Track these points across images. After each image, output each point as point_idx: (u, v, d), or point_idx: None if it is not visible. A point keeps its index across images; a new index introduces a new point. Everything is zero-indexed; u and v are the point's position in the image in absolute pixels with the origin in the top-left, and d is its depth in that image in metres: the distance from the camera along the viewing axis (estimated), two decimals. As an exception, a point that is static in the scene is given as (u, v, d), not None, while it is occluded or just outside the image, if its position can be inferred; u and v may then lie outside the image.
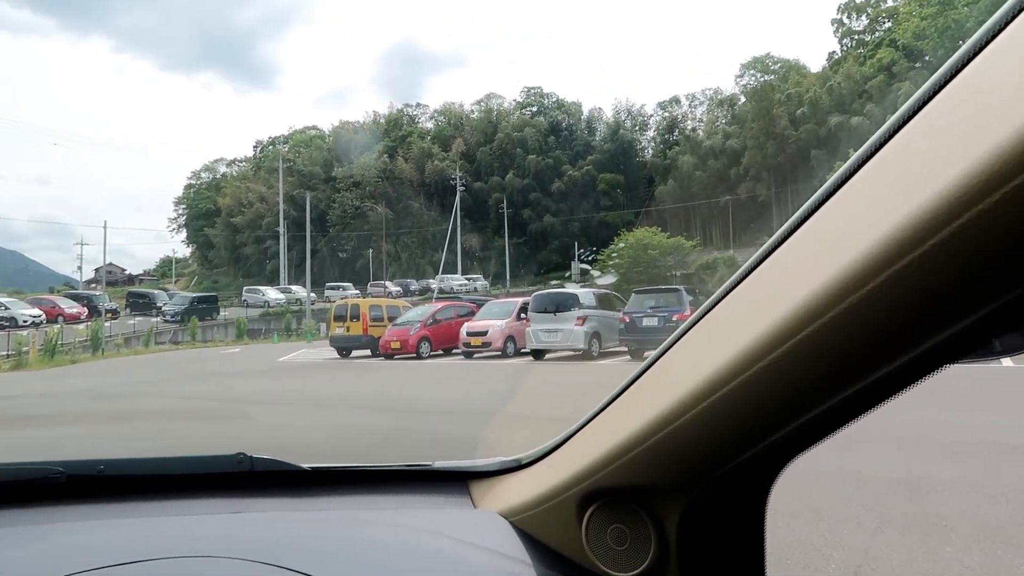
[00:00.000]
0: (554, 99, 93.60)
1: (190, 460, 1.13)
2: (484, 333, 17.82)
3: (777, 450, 0.64)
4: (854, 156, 0.50)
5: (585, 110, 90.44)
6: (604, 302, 17.15)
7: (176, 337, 37.25)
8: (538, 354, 16.79)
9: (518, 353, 18.26)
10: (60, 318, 37.48)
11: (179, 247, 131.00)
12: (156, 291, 50.67)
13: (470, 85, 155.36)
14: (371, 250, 76.54)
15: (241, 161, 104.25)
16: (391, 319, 21.30)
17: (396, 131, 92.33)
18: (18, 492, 1.04)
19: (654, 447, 0.68)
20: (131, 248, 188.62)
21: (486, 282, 63.32)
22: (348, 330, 21.19)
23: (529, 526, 0.91)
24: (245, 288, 56.31)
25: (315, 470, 1.12)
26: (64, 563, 0.76)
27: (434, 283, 57.36)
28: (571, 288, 20.01)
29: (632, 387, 0.78)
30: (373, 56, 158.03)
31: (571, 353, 16.90)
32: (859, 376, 0.50)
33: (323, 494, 1.12)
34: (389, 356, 19.62)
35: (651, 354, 0.77)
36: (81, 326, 31.04)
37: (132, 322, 38.11)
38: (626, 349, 17.74)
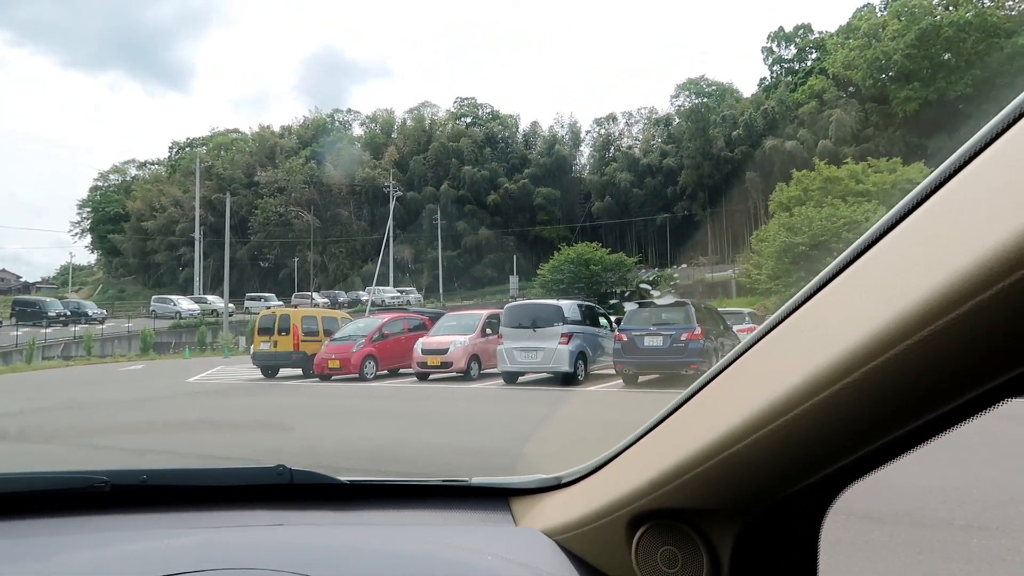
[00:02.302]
0: (488, 110, 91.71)
1: (231, 472, 1.13)
2: (444, 351, 14.97)
3: (837, 476, 0.62)
4: (934, 173, 0.49)
5: (522, 123, 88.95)
6: (589, 316, 14.61)
7: (68, 351, 32.57)
8: (511, 377, 14.09)
9: (482, 375, 15.51)
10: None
11: (82, 253, 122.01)
12: (48, 299, 45.10)
13: (400, 95, 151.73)
14: (296, 259, 72.05)
15: (154, 163, 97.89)
16: (328, 333, 18.13)
17: (324, 136, 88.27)
18: (63, 501, 1.06)
19: (712, 469, 0.66)
20: (28, 254, 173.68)
21: (419, 295, 60.24)
22: (275, 345, 17.85)
23: (574, 545, 0.89)
24: (154, 297, 51.34)
25: (354, 483, 1.12)
26: (106, 574, 0.77)
27: (364, 295, 53.93)
28: (550, 299, 17.36)
29: (685, 407, 0.75)
30: (296, 62, 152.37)
31: (546, 376, 14.29)
32: (933, 406, 0.49)
33: (362, 508, 1.11)
34: (326, 377, 16.48)
35: (706, 373, 0.73)
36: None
37: (15, 333, 33.09)
38: (614, 372, 15.29)
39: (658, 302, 12.89)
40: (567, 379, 13.39)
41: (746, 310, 19.20)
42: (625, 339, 12.51)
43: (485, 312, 16.79)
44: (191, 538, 0.94)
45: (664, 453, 0.74)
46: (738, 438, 0.62)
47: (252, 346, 19.57)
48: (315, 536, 0.96)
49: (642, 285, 42.13)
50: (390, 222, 51.64)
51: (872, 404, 0.51)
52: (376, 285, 50.22)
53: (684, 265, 62.53)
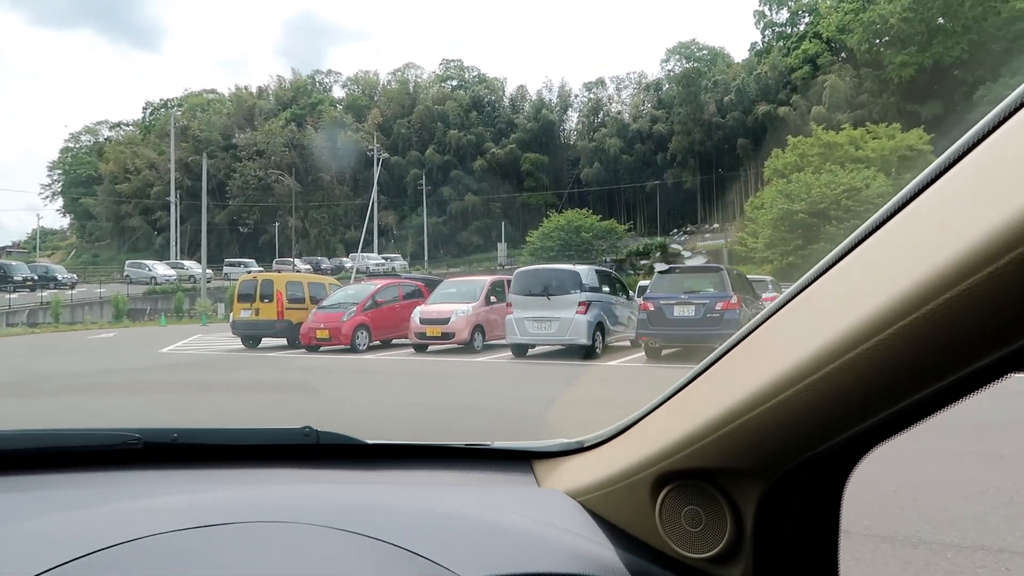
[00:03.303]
0: (475, 73, 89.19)
1: (259, 432, 1.17)
2: (445, 321, 13.61)
3: (862, 437, 0.63)
4: (964, 138, 0.49)
5: (509, 87, 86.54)
6: (606, 282, 13.28)
7: (34, 318, 30.78)
8: (520, 350, 12.80)
9: (486, 347, 14.22)
10: None
11: (54, 217, 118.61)
12: (13, 263, 42.94)
13: (381, 57, 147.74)
14: (277, 225, 69.91)
15: (128, 124, 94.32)
16: (315, 300, 16.68)
17: (304, 98, 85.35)
18: (96, 457, 1.10)
19: (738, 429, 0.68)
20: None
21: (404, 262, 58.63)
22: (257, 313, 16.36)
23: (598, 506, 0.91)
24: (128, 262, 49.29)
25: (378, 445, 1.16)
26: (143, 525, 0.79)
27: (348, 262, 52.25)
28: (566, 264, 15.98)
29: (713, 368, 0.77)
30: (270, 22, 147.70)
31: (558, 348, 13.04)
32: (960, 366, 0.50)
33: (387, 467, 1.14)
34: (313, 348, 15.10)
35: (732, 337, 0.74)
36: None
37: (-21, 299, 31.25)
38: (629, 344, 14.05)
39: (689, 262, 11.55)
40: (584, 352, 12.13)
41: (768, 278, 18.00)
42: (652, 308, 11.21)
43: (489, 278, 15.44)
44: (223, 493, 0.94)
45: (690, 414, 0.75)
46: (765, 398, 0.63)
47: (232, 314, 18.07)
48: (343, 493, 0.97)
49: (672, 246, 40.01)
50: (375, 187, 49.74)
51: (900, 364, 0.51)
52: (360, 252, 48.56)
53: (675, 232, 60.90)
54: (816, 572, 0.76)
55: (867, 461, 0.65)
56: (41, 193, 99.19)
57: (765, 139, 66.21)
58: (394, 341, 16.24)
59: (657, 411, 0.86)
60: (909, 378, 0.52)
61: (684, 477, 0.78)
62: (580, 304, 11.88)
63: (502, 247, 59.63)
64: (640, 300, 11.71)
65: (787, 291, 0.66)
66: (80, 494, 0.96)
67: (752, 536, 0.74)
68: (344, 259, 57.42)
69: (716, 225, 56.88)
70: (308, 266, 52.57)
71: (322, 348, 15.13)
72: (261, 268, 46.32)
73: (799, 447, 0.66)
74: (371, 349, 15.16)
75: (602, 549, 0.83)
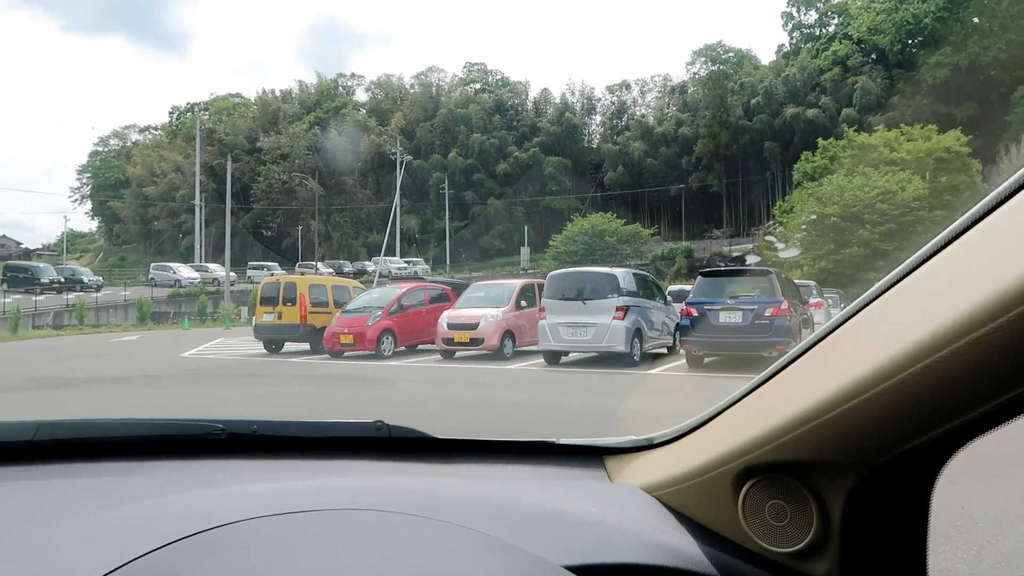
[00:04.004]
0: (499, 76, 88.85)
1: (333, 425, 1.21)
2: (474, 326, 13.04)
3: (956, 432, 0.61)
4: None
5: (532, 90, 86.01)
6: (643, 286, 12.62)
7: (60, 320, 30.76)
8: (553, 357, 12.18)
9: (516, 353, 13.62)
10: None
11: (83, 220, 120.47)
12: (41, 265, 43.15)
13: (403, 60, 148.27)
14: (300, 228, 69.92)
15: (155, 128, 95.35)
16: (338, 304, 16.20)
17: (328, 102, 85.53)
18: (180, 446, 1.15)
19: (830, 423, 0.66)
20: (29, 221, 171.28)
21: (427, 266, 58.26)
22: (280, 317, 15.92)
23: (674, 501, 0.90)
24: (153, 265, 49.50)
25: (449, 440, 1.18)
26: (233, 510, 0.80)
27: (371, 266, 52.02)
28: (602, 267, 15.34)
29: (797, 363, 0.75)
30: (293, 27, 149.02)
31: (593, 355, 12.40)
32: None
33: (460, 461, 1.16)
34: (337, 353, 14.60)
35: (821, 329, 0.73)
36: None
37: (4, 301, 31.28)
38: (667, 350, 13.38)
39: (782, 254, 10.87)
40: (621, 360, 11.48)
41: (812, 282, 17.22)
42: (695, 314, 10.53)
43: (519, 282, 14.85)
44: (304, 482, 0.97)
45: (776, 408, 0.74)
46: (860, 390, 0.61)
47: (254, 317, 17.65)
48: (420, 483, 0.97)
49: (767, 238, 38.30)
50: (397, 190, 49.41)
51: (1002, 357, 0.50)
52: (383, 255, 48.26)
53: (771, 223, 58.73)
54: (904, 569, 0.74)
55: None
56: (71, 196, 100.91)
57: (793, 142, 65.10)
58: (420, 347, 15.72)
59: (735, 407, 0.85)
60: (1009, 373, 0.51)
61: (768, 471, 0.77)
62: (617, 309, 11.23)
63: (525, 251, 59.05)
64: (683, 305, 11.04)
65: (876, 285, 0.66)
66: (169, 480, 1.00)
67: (839, 531, 0.73)
68: (367, 263, 57.25)
69: (719, 231, 55.41)
70: (331, 270, 52.40)
71: (346, 354, 14.63)
72: (284, 272, 46.20)
73: (892, 441, 0.65)
74: (397, 355, 14.63)
75: (682, 542, 0.82)
